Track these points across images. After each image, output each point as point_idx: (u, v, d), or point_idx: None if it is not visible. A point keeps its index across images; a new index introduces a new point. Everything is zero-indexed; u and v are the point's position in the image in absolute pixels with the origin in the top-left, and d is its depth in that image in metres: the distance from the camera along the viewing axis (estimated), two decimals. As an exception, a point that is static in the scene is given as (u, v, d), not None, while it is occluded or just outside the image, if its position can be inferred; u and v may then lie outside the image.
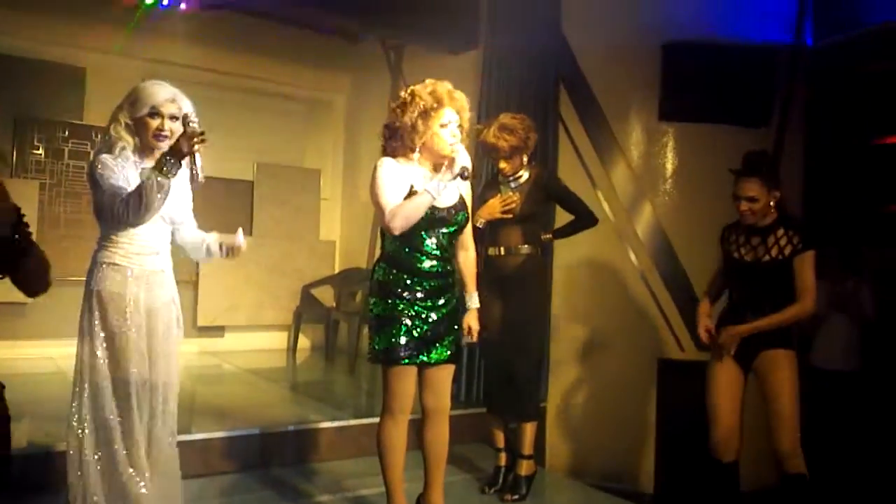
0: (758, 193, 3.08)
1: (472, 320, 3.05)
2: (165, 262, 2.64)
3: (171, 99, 2.57)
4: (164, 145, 2.54)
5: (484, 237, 3.54)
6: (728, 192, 3.20)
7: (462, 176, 2.74)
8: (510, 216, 3.51)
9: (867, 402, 4.60)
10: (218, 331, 6.41)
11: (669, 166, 4.73)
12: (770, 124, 4.73)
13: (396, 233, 2.75)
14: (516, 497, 3.53)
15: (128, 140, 2.54)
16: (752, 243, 3.16)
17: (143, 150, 2.58)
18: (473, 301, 3.06)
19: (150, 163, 2.52)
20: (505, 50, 4.71)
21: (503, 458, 3.67)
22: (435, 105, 2.76)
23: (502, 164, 3.54)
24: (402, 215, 2.71)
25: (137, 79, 2.87)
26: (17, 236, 2.25)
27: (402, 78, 6.05)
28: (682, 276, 4.54)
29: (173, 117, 2.56)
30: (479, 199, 3.54)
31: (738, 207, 3.14)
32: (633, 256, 4.73)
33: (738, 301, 3.23)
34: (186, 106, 2.60)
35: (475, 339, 3.07)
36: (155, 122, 2.55)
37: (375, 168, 2.80)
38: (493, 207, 3.50)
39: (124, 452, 2.47)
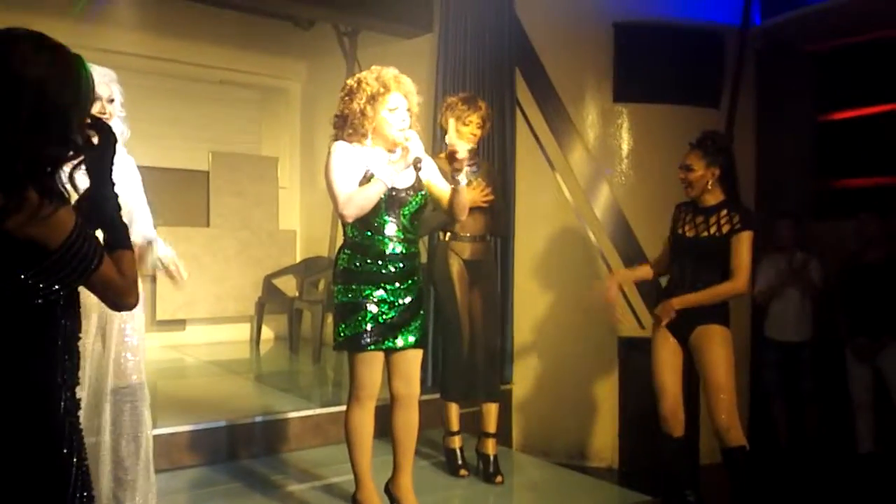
0: (693, 164, 3.19)
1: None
2: None
3: (105, 82, 2.53)
4: None
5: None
6: (682, 171, 3.29)
7: (415, 167, 2.77)
8: (485, 205, 3.58)
9: (818, 371, 4.75)
10: (178, 324, 6.32)
11: (625, 147, 4.79)
12: (721, 103, 4.82)
13: (350, 220, 2.76)
14: (500, 476, 3.61)
15: None
16: (696, 221, 3.25)
17: None
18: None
19: None
20: (459, 33, 4.69)
21: (459, 441, 3.73)
22: (381, 90, 2.76)
23: (471, 146, 3.45)
24: (356, 203, 2.72)
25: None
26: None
27: (358, 64, 5.99)
28: (640, 255, 4.60)
29: (110, 100, 2.52)
30: None
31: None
32: (592, 236, 4.79)
33: (676, 276, 3.31)
34: (117, 91, 2.57)
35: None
36: (94, 108, 2.50)
37: (329, 153, 2.79)
38: (473, 196, 3.45)
39: None
